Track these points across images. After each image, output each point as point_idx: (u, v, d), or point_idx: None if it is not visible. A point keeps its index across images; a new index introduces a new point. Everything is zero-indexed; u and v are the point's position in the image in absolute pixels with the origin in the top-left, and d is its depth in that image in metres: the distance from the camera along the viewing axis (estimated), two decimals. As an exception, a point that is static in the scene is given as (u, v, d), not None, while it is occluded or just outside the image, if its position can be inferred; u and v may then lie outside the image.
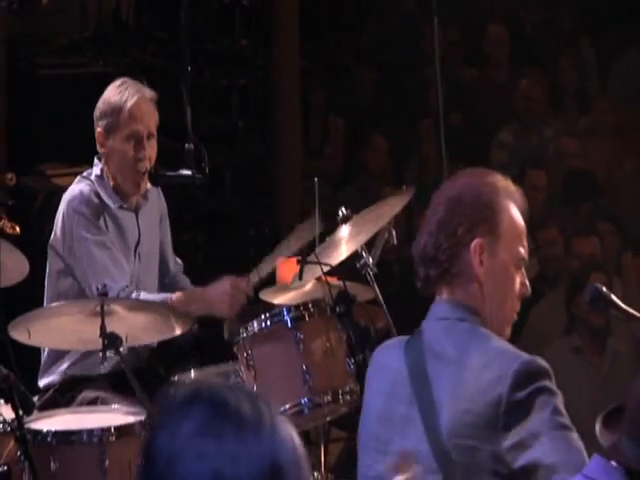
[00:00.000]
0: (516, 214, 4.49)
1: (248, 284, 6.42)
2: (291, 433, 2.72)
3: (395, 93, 11.26)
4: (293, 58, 10.60)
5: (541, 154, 10.57)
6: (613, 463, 3.85)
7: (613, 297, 5.10)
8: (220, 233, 9.74)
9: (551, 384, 4.34)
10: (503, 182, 4.56)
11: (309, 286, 6.46)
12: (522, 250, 4.50)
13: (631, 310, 5.10)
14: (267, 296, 6.51)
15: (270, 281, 6.63)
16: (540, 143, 10.73)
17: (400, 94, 11.12)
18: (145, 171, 6.52)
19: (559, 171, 10.34)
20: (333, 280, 6.37)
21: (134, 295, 6.39)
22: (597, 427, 3.96)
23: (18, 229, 7.60)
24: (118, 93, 6.59)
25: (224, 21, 10.36)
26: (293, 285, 6.57)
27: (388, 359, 4.62)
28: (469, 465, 4.27)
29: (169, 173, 6.63)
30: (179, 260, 7.00)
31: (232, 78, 10.24)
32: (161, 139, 6.67)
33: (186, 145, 6.63)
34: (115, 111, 6.54)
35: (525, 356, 4.37)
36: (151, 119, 6.62)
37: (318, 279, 6.38)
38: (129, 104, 6.54)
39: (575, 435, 4.34)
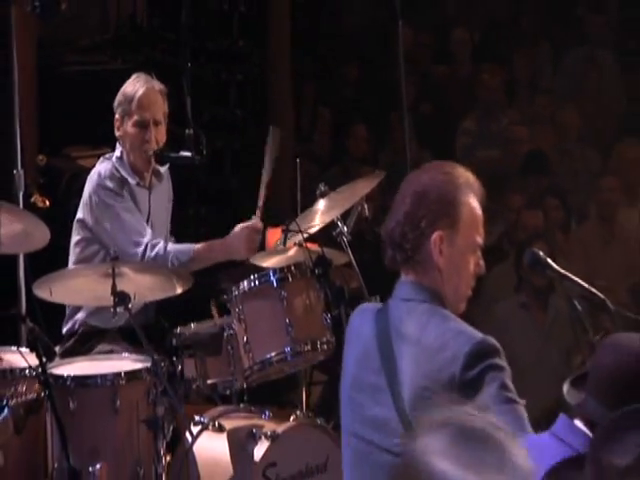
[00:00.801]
0: (475, 205, 4.41)
1: (257, 225, 6.41)
2: None
3: (373, 88, 11.23)
4: (285, 57, 10.58)
5: (497, 138, 10.52)
6: (576, 422, 3.82)
7: (548, 260, 5.11)
8: (221, 207, 9.77)
9: (500, 361, 4.27)
10: (464, 176, 4.46)
11: (292, 252, 6.43)
12: (478, 238, 4.43)
13: (563, 271, 5.11)
14: (256, 260, 6.48)
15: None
16: (497, 129, 10.72)
17: (377, 88, 11.09)
18: (151, 153, 6.50)
19: (512, 153, 10.31)
20: (313, 246, 6.36)
21: (161, 245, 6.38)
22: (565, 387, 3.91)
23: (48, 203, 7.60)
24: (131, 85, 6.60)
25: (224, 24, 10.30)
26: (277, 249, 6.58)
27: (362, 325, 4.55)
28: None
29: (172, 154, 6.63)
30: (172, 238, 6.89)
31: (231, 73, 10.21)
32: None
33: (187, 131, 6.63)
34: (127, 100, 6.54)
35: (477, 337, 4.31)
36: (158, 108, 6.58)
37: (300, 245, 6.35)
38: (138, 94, 6.53)
39: (521, 407, 4.24)
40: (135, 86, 6.60)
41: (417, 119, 10.90)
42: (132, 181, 6.53)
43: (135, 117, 6.52)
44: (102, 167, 6.56)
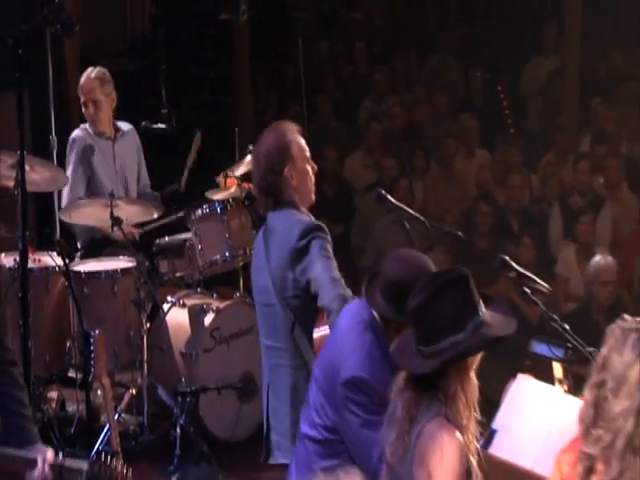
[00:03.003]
0: (299, 139, 4.38)
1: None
2: None
3: (306, 81, 11.13)
4: (245, 61, 10.37)
5: (384, 114, 10.46)
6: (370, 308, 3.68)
7: (389, 197, 5.02)
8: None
9: (324, 234, 4.26)
10: (289, 126, 4.43)
11: (232, 189, 6.29)
12: (307, 153, 4.39)
13: (397, 203, 5.00)
14: (209, 194, 6.36)
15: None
16: (387, 108, 10.64)
17: (308, 81, 11.00)
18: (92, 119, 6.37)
19: (394, 125, 10.27)
20: (246, 185, 6.21)
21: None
22: (364, 286, 3.75)
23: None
24: (89, 73, 6.44)
25: (199, 40, 10.16)
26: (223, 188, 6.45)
27: (260, 231, 4.58)
28: (284, 286, 4.23)
29: (152, 126, 6.55)
30: (148, 182, 6.73)
31: (206, 72, 10.05)
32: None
33: (162, 110, 6.55)
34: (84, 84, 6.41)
35: (310, 221, 4.34)
36: (93, 90, 6.34)
37: (238, 185, 6.26)
38: (80, 84, 6.39)
39: (333, 262, 4.22)
40: (91, 72, 6.40)
41: (334, 101, 10.83)
42: (91, 140, 6.34)
43: (81, 99, 6.38)
44: (73, 133, 6.44)
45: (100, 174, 6.35)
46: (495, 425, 4.07)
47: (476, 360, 3.33)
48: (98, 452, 5.26)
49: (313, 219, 4.37)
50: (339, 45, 11.84)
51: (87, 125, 6.41)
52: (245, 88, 10.53)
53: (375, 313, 3.65)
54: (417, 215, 5.07)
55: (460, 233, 5.82)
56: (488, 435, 4.02)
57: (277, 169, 4.31)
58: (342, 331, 3.70)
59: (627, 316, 3.12)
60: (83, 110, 6.38)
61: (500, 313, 3.39)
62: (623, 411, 2.96)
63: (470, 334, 3.23)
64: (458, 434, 3.16)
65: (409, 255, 3.77)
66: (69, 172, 6.29)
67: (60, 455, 3.90)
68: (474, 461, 3.18)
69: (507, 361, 5.72)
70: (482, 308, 3.32)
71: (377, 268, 3.79)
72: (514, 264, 4.57)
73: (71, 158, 6.34)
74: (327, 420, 3.59)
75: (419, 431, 3.19)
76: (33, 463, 3.73)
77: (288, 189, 4.34)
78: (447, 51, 11.24)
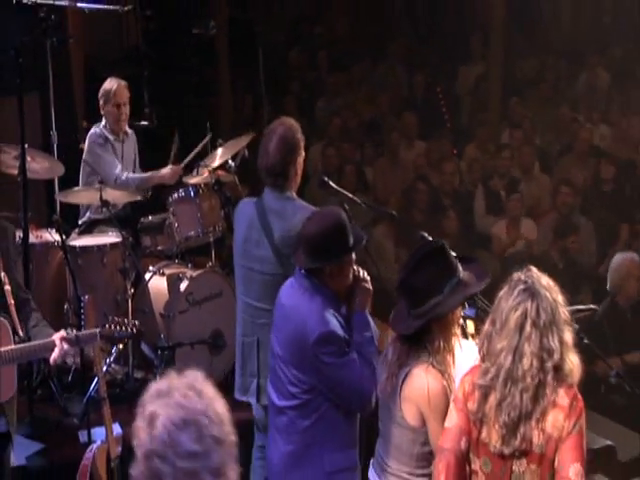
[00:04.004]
0: (302, 137, 4.30)
1: (177, 167, 6.20)
2: None
3: (276, 84, 11.00)
4: (225, 68, 10.24)
5: (338, 112, 10.34)
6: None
7: (330, 183, 4.92)
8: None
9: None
10: (295, 124, 4.33)
11: (205, 175, 6.14)
12: (303, 151, 4.32)
13: (338, 188, 4.88)
14: (186, 179, 6.23)
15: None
16: (337, 107, 10.51)
17: (278, 85, 10.87)
18: (122, 119, 6.21)
19: (353, 120, 10.15)
20: (217, 173, 6.11)
21: (125, 175, 6.12)
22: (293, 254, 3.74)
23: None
24: (109, 84, 6.23)
25: (184, 50, 9.96)
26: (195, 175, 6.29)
27: (245, 209, 4.45)
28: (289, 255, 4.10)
29: (136, 123, 6.42)
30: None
31: (189, 77, 9.85)
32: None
33: (145, 109, 6.42)
34: (106, 92, 6.20)
35: (303, 203, 4.29)
36: (124, 95, 6.20)
37: (210, 172, 6.12)
38: (114, 88, 6.20)
39: None
40: (112, 83, 6.22)
41: (299, 101, 10.70)
42: (111, 137, 6.23)
43: (113, 101, 6.19)
44: (93, 130, 6.25)
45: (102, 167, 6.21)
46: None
47: (457, 316, 3.34)
48: (90, 397, 5.19)
49: (303, 203, 4.32)
50: (304, 54, 11.72)
51: (102, 125, 6.21)
52: (225, 90, 10.40)
53: (307, 274, 3.54)
54: (354, 198, 4.96)
55: (394, 212, 5.74)
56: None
57: (292, 159, 4.25)
58: (291, 307, 3.57)
59: (533, 267, 3.07)
60: (114, 110, 6.15)
61: (475, 271, 3.40)
62: (502, 349, 2.95)
63: (448, 295, 3.25)
64: (442, 378, 3.24)
65: (320, 212, 3.73)
66: (99, 159, 6.11)
67: (73, 331, 4.02)
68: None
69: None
70: (459, 270, 3.31)
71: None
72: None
73: (97, 149, 6.14)
74: (303, 385, 3.50)
75: (407, 372, 3.26)
76: (52, 345, 3.87)
77: (294, 177, 4.28)
78: (395, 59, 11.22)
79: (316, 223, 3.57)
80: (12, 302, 3.96)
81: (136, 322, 4.19)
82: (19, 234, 5.49)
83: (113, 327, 4.11)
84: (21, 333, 3.97)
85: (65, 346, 3.88)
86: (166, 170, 6.19)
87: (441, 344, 3.27)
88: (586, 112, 9.64)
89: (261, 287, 4.27)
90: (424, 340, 3.28)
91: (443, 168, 8.70)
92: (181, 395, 1.85)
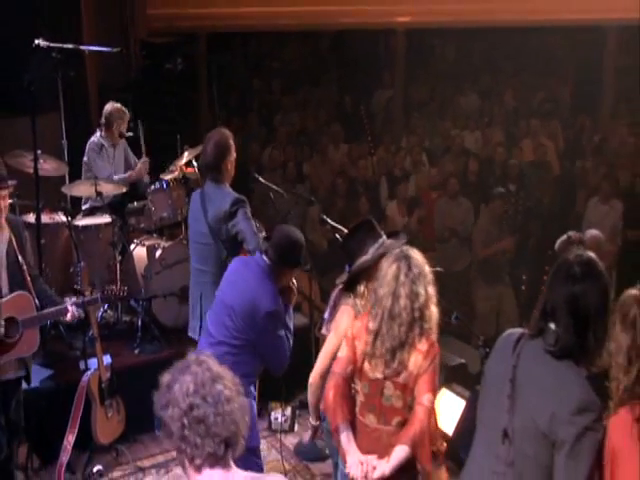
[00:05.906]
0: (231, 138, 4.06)
1: (144, 164, 5.86)
2: None
3: (244, 104, 10.66)
4: (203, 90, 9.86)
5: (287, 123, 10.02)
6: (264, 257, 3.46)
7: (260, 178, 4.69)
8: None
9: (245, 204, 3.98)
10: (230, 134, 4.10)
11: (176, 172, 5.85)
12: (233, 146, 4.05)
13: (267, 183, 4.71)
14: (162, 175, 5.87)
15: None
16: (289, 120, 10.17)
17: (245, 104, 10.53)
18: (118, 134, 5.90)
19: (293, 130, 9.78)
20: (186, 170, 5.85)
21: (115, 177, 5.82)
22: (263, 248, 3.53)
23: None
24: (110, 105, 5.91)
25: (171, 78, 9.48)
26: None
27: (195, 196, 4.23)
28: (219, 233, 3.95)
29: (124, 132, 6.05)
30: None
31: (173, 99, 9.40)
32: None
33: (130, 123, 6.05)
34: (108, 112, 5.87)
35: (237, 195, 4.01)
36: (124, 118, 5.89)
37: (180, 169, 5.85)
38: (114, 109, 5.87)
39: (252, 221, 3.94)
40: (113, 106, 5.91)
41: (260, 116, 10.35)
42: (106, 144, 5.89)
43: (117, 123, 5.83)
44: (92, 138, 5.91)
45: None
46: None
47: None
48: (88, 336, 4.94)
49: (234, 194, 4.07)
50: (264, 81, 11.35)
51: (100, 134, 5.85)
52: (203, 108, 10.03)
53: (269, 263, 3.46)
54: (278, 189, 4.77)
55: (313, 198, 5.54)
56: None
57: (223, 158, 4.04)
58: (250, 277, 3.45)
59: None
60: (113, 127, 5.80)
61: (397, 240, 3.35)
62: (384, 295, 2.95)
63: (371, 254, 3.23)
64: (354, 313, 3.22)
65: (285, 228, 3.58)
66: (94, 163, 5.76)
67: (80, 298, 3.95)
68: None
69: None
70: (383, 238, 3.32)
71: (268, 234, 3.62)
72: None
73: (93, 155, 5.79)
74: (245, 335, 3.40)
75: (338, 310, 3.34)
76: (65, 310, 3.82)
77: (226, 171, 4.06)
78: (329, 85, 10.92)
79: (281, 236, 3.47)
80: (29, 279, 3.83)
81: (125, 288, 4.22)
82: (33, 216, 5.25)
83: (109, 292, 4.16)
84: (37, 302, 3.86)
85: (75, 309, 3.85)
86: (137, 168, 5.89)
87: (364, 290, 3.27)
88: (462, 124, 9.50)
89: (201, 254, 4.16)
90: (354, 287, 3.29)
91: (359, 164, 8.52)
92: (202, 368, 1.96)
